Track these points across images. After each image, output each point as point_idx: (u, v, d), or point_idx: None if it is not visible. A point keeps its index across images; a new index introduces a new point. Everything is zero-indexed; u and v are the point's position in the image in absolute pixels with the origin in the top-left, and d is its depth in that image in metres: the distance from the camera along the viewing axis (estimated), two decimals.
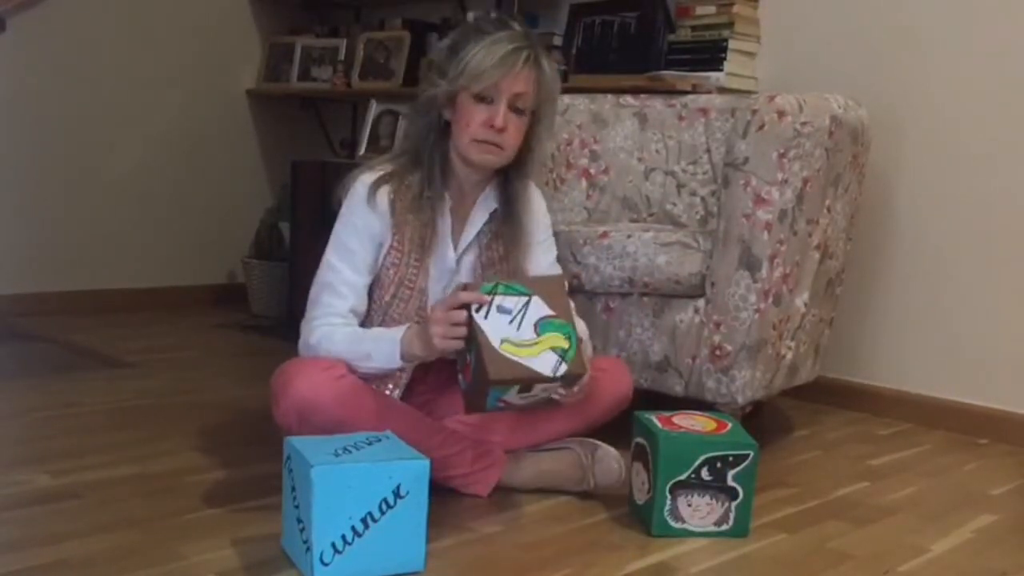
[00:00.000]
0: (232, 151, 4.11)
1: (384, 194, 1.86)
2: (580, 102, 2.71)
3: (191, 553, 1.56)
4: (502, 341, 1.58)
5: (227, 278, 4.12)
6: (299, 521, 1.49)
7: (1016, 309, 2.55)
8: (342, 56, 3.92)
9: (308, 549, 1.46)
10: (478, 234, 1.95)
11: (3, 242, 3.51)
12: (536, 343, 1.60)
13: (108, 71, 3.71)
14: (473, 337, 1.59)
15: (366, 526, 1.47)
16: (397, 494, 1.49)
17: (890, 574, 1.64)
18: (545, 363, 1.59)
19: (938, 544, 1.79)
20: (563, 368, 1.60)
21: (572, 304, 1.71)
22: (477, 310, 1.59)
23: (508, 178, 1.94)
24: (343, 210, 1.88)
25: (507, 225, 1.95)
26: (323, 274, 1.86)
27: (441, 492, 1.83)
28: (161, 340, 3.36)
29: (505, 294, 1.61)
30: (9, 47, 3.41)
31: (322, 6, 4.17)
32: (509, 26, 1.83)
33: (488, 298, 1.62)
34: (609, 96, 2.77)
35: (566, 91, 2.82)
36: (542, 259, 2.02)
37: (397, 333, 1.75)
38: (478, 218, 1.94)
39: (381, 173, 1.88)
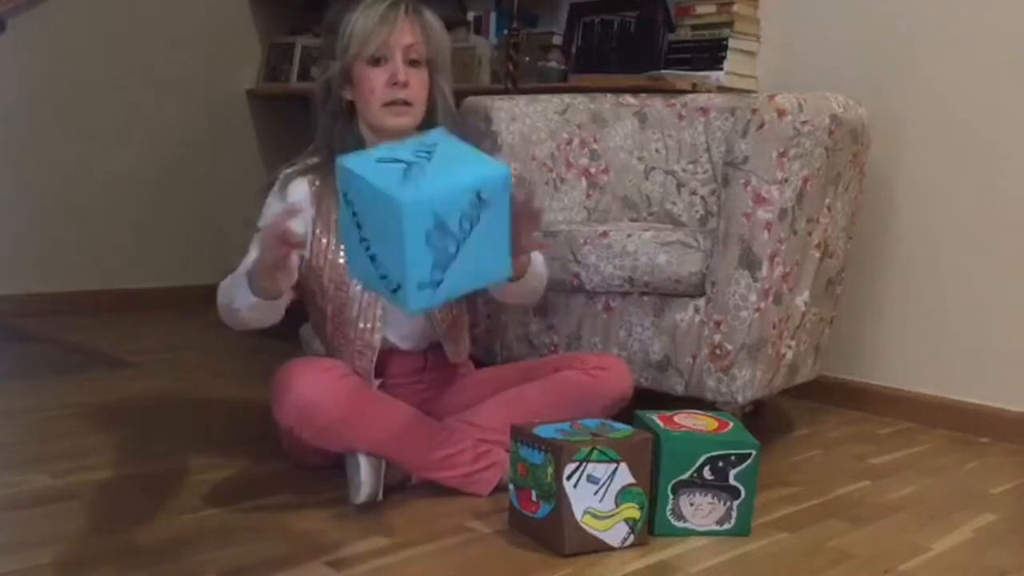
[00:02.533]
0: (232, 151, 4.11)
1: (299, 185, 1.90)
2: (580, 101, 2.71)
3: (191, 553, 1.56)
4: (585, 513, 1.61)
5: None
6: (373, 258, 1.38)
7: (1017, 307, 2.55)
8: None
9: (399, 288, 1.35)
10: None
11: (2, 242, 3.51)
12: (614, 514, 1.64)
13: (108, 72, 3.72)
14: (557, 498, 1.60)
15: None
16: (480, 198, 1.36)
17: (890, 573, 1.64)
18: (616, 535, 1.65)
19: (938, 543, 1.78)
20: (631, 539, 1.65)
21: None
22: (568, 477, 1.59)
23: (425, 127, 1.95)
24: (263, 208, 1.93)
25: None
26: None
27: (442, 491, 1.84)
28: (161, 340, 3.36)
29: (597, 461, 1.61)
30: (9, 48, 3.41)
31: (322, 6, 4.16)
32: None
33: None
34: (609, 95, 2.77)
35: (566, 91, 2.83)
36: None
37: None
38: None
39: (300, 166, 1.92)
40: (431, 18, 1.88)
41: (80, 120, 3.67)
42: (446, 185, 1.34)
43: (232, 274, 1.80)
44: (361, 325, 1.93)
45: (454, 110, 1.99)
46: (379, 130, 1.89)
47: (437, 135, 1.48)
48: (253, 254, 1.75)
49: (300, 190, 1.90)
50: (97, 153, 3.73)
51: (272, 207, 1.91)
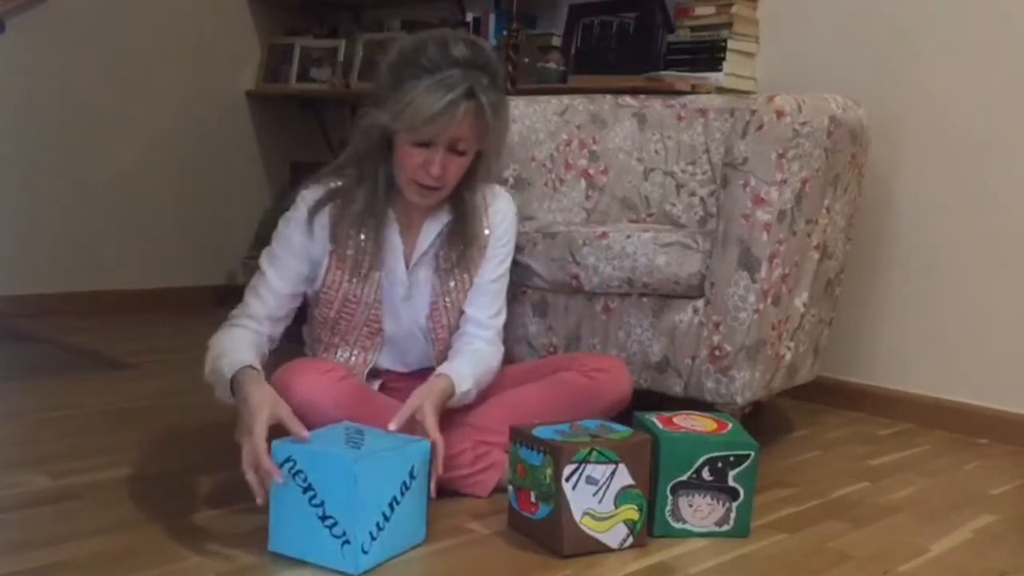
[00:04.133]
0: (231, 152, 4.11)
1: (324, 216, 1.86)
2: (579, 103, 2.71)
3: (191, 554, 1.56)
4: (584, 514, 1.62)
5: (226, 279, 4.12)
6: (325, 519, 1.50)
7: (1015, 309, 2.55)
8: (341, 57, 3.92)
9: (347, 542, 1.48)
10: (431, 246, 1.93)
11: (2, 243, 3.51)
12: (613, 515, 1.64)
13: (107, 72, 3.72)
14: (556, 499, 1.60)
15: (392, 509, 1.53)
16: (411, 475, 1.57)
17: (890, 574, 1.64)
18: (615, 536, 1.65)
19: (938, 544, 1.79)
20: (630, 541, 1.66)
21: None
22: (567, 478, 1.59)
23: (459, 194, 1.91)
24: (281, 222, 1.89)
25: (458, 235, 1.93)
26: (254, 278, 1.89)
27: (441, 493, 1.83)
28: (161, 341, 3.36)
29: (596, 462, 1.61)
30: (9, 48, 3.41)
31: (321, 7, 4.17)
32: (452, 57, 1.73)
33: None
34: (608, 96, 2.77)
35: (565, 92, 2.83)
36: (488, 272, 1.98)
37: (239, 367, 1.66)
38: (431, 231, 1.93)
39: (324, 191, 1.87)
40: (491, 108, 1.75)
41: (79, 121, 3.67)
42: (390, 453, 1.55)
43: (231, 323, 1.83)
44: (357, 352, 1.94)
45: (494, 179, 1.95)
46: (402, 193, 1.87)
47: (357, 425, 1.67)
48: (267, 278, 1.84)
49: (323, 223, 1.86)
50: (96, 154, 3.73)
51: (296, 233, 1.87)
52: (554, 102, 2.66)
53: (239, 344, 1.77)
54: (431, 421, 1.70)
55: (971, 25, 2.60)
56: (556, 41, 3.29)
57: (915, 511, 1.97)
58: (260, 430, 1.53)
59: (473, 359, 1.91)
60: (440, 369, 1.85)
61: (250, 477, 1.52)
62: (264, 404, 1.57)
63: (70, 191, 3.67)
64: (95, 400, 2.50)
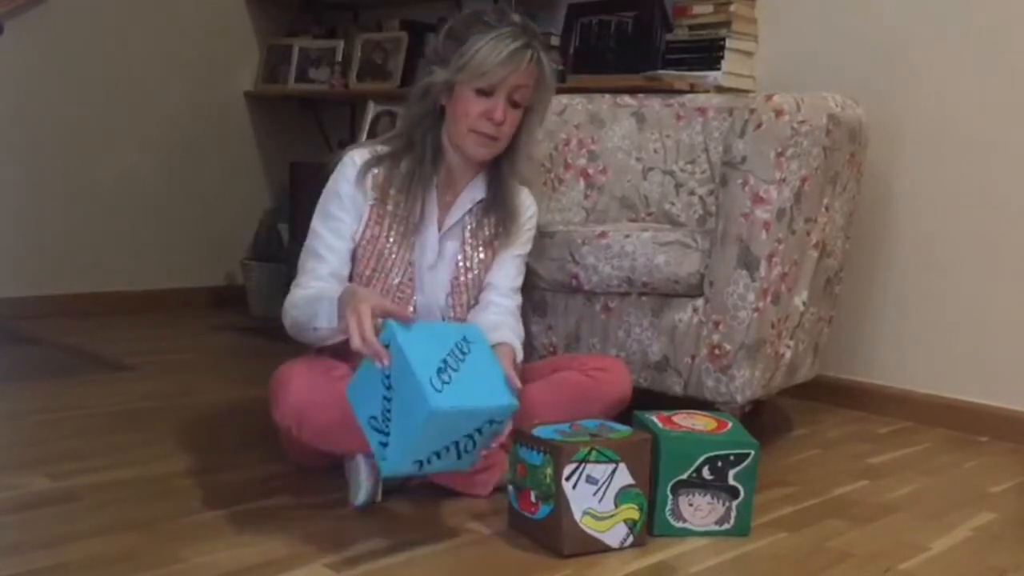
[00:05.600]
0: (231, 153, 4.11)
1: (371, 175, 1.91)
2: (578, 102, 2.71)
3: (191, 556, 1.56)
4: (584, 513, 1.62)
5: (226, 280, 4.12)
6: (385, 416, 1.55)
7: (1015, 307, 2.55)
8: (340, 57, 3.92)
9: (385, 445, 1.54)
10: (462, 221, 1.97)
11: (3, 244, 3.51)
12: (613, 515, 1.64)
13: (106, 73, 3.72)
14: (556, 499, 1.61)
15: (447, 449, 1.57)
16: (479, 431, 1.59)
17: (890, 572, 1.64)
18: (615, 536, 1.65)
19: (938, 542, 1.79)
20: (630, 540, 1.66)
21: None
22: (567, 478, 1.59)
23: (498, 168, 1.97)
24: (330, 181, 1.93)
25: (493, 213, 1.98)
26: (309, 241, 1.92)
27: (441, 493, 1.84)
28: (160, 342, 3.36)
29: (596, 461, 1.61)
30: (8, 49, 3.41)
31: (319, 7, 4.17)
32: (510, 19, 1.86)
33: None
34: (607, 96, 2.77)
35: (564, 91, 2.83)
36: (514, 248, 2.03)
37: (345, 288, 1.74)
38: (464, 204, 1.97)
39: (373, 155, 1.92)
40: (548, 68, 1.89)
41: (78, 122, 3.67)
42: (468, 404, 1.55)
43: (300, 286, 1.84)
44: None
45: (532, 153, 2.01)
46: (458, 148, 1.92)
47: (475, 335, 1.67)
48: (324, 263, 1.87)
49: (370, 180, 1.90)
50: (95, 155, 3.73)
51: (346, 188, 1.90)
52: (552, 102, 2.65)
53: (327, 289, 1.81)
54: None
55: (970, 24, 2.60)
56: (554, 41, 3.28)
57: (915, 509, 1.97)
58: (366, 309, 1.57)
59: (513, 327, 1.96)
60: (496, 338, 1.86)
61: (363, 348, 1.56)
62: (372, 294, 1.64)
63: (69, 193, 3.67)
64: (95, 401, 2.50)
